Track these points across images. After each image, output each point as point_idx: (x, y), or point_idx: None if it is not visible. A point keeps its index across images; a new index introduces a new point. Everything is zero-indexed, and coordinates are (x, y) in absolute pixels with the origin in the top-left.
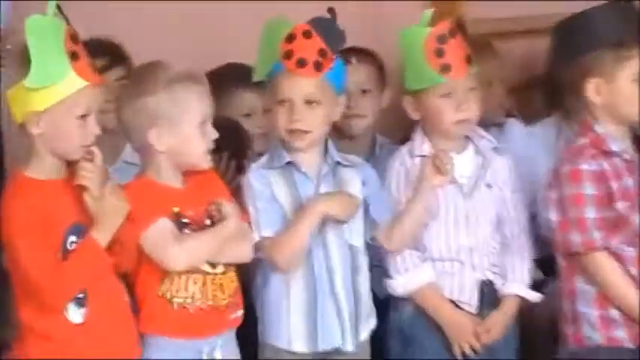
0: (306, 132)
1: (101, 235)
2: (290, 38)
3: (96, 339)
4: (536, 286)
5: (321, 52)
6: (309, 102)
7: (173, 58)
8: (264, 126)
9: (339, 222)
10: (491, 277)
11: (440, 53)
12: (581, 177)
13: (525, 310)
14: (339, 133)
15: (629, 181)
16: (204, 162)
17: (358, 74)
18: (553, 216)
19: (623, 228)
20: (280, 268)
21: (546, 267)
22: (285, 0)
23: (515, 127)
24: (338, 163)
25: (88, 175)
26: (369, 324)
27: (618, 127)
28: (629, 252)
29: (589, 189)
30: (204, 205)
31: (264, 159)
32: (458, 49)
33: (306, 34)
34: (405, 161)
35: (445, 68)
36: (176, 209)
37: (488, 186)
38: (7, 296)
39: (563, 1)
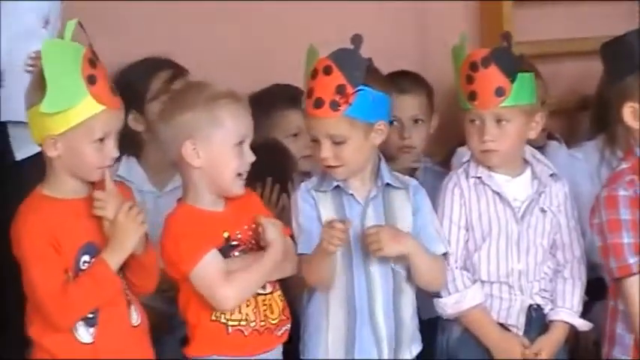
0: (339, 166)
1: (113, 258)
2: (313, 75)
3: None
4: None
5: (339, 89)
6: (334, 141)
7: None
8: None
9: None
10: (540, 301)
11: (470, 80)
12: (617, 202)
13: (572, 332)
14: (388, 160)
15: None
16: (235, 186)
17: (409, 103)
18: (597, 241)
19: None
20: (311, 286)
21: (594, 289)
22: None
23: (557, 149)
24: (388, 184)
25: (101, 204)
26: (411, 350)
27: None
28: None
29: (624, 214)
30: (248, 224)
31: (314, 180)
32: (488, 79)
33: (326, 70)
34: (461, 183)
35: (471, 96)
36: (226, 234)
37: (543, 211)
38: (16, 315)
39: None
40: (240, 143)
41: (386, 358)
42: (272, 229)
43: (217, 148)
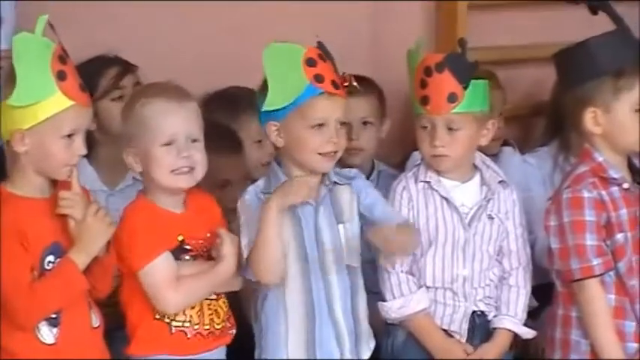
0: (337, 152)
1: (80, 258)
2: (312, 62)
3: None
4: (530, 313)
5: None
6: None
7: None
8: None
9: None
10: (484, 308)
11: (423, 84)
12: (582, 204)
13: (521, 339)
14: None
15: (625, 212)
16: (171, 182)
17: (358, 106)
18: (553, 243)
19: (619, 259)
20: (261, 278)
21: (541, 294)
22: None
23: (510, 155)
24: (335, 182)
25: (68, 203)
26: (369, 345)
27: (616, 156)
28: (610, 277)
29: (589, 215)
30: (205, 231)
31: (261, 182)
32: (441, 84)
33: (322, 57)
34: (409, 187)
35: (424, 100)
36: (180, 237)
37: (490, 217)
38: None
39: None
40: (169, 143)
41: (348, 354)
42: (229, 244)
43: (145, 150)
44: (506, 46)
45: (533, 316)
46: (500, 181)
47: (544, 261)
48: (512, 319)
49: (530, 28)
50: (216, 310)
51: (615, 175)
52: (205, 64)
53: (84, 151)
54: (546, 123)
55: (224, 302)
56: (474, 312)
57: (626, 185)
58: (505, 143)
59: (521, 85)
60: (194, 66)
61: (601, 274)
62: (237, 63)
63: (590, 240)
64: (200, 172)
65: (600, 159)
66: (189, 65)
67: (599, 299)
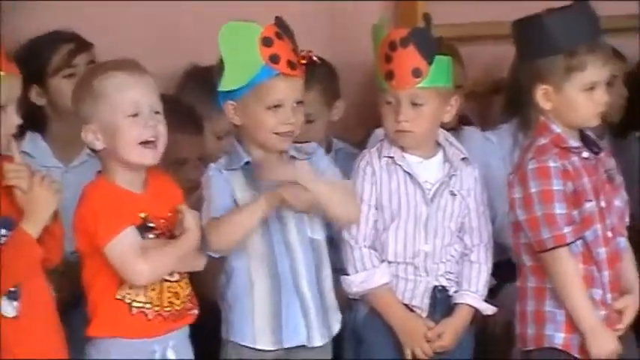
0: (294, 131)
1: (32, 228)
2: (268, 42)
3: (27, 334)
4: (490, 291)
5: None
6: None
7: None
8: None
9: (296, 211)
10: (445, 283)
11: (388, 59)
12: (549, 173)
13: (480, 315)
14: None
15: (588, 181)
16: (136, 155)
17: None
18: (520, 215)
19: (587, 227)
20: (211, 247)
21: (503, 272)
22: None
23: (472, 133)
24: (293, 157)
25: (13, 175)
26: (337, 316)
27: (570, 130)
28: (577, 247)
29: (556, 185)
30: (166, 211)
31: (222, 160)
32: (406, 59)
33: (280, 35)
34: (373, 162)
35: (389, 75)
36: (143, 215)
37: (452, 194)
38: None
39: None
40: (135, 114)
41: (315, 327)
42: (191, 218)
43: (109, 123)
44: (465, 24)
45: (491, 294)
46: (462, 159)
47: (503, 237)
48: (473, 294)
49: (489, 5)
50: (176, 292)
51: (575, 144)
52: (166, 45)
53: (18, 121)
54: (505, 100)
55: (186, 283)
56: (435, 287)
57: (585, 154)
58: (466, 121)
59: (480, 62)
60: (156, 46)
61: (572, 242)
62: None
63: (559, 209)
64: (162, 146)
65: (558, 130)
66: (151, 45)
67: (572, 267)
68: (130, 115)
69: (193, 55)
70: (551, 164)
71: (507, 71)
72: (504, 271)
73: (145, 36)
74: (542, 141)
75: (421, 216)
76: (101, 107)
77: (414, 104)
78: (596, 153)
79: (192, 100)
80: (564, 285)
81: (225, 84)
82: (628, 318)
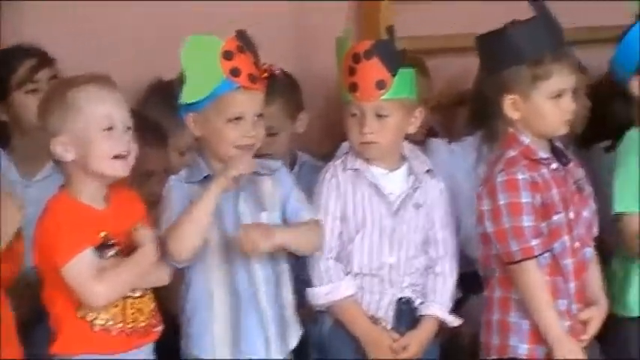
0: (255, 145)
1: None
2: (229, 55)
3: None
4: (456, 302)
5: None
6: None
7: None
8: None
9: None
10: (410, 295)
11: (352, 71)
12: (517, 185)
13: (447, 328)
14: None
15: (557, 192)
16: (109, 168)
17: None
18: (488, 227)
19: (555, 239)
20: (172, 256)
21: (465, 283)
22: None
23: (439, 145)
24: (255, 172)
25: None
26: (296, 331)
27: (539, 140)
28: (544, 259)
29: (525, 197)
30: (128, 226)
31: (183, 173)
32: (370, 71)
33: (241, 49)
34: (338, 174)
35: (353, 87)
36: (103, 234)
37: (417, 206)
38: None
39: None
40: (110, 128)
41: (273, 341)
42: (146, 233)
43: (83, 136)
44: (429, 36)
45: (457, 306)
46: (427, 171)
47: (468, 249)
48: (438, 306)
49: (453, 18)
50: (140, 309)
51: (544, 155)
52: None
53: None
54: (470, 113)
55: (150, 299)
56: (400, 299)
57: (554, 165)
58: (431, 132)
59: (444, 74)
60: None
61: (540, 255)
62: (155, 57)
63: (527, 221)
64: (132, 160)
65: (527, 141)
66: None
67: (539, 279)
68: (104, 129)
69: (156, 69)
70: (520, 177)
71: (472, 83)
72: (469, 282)
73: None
74: (512, 153)
75: (386, 228)
76: (74, 119)
77: (379, 116)
78: (565, 164)
79: (156, 115)
80: (532, 296)
81: (187, 96)
82: (592, 329)
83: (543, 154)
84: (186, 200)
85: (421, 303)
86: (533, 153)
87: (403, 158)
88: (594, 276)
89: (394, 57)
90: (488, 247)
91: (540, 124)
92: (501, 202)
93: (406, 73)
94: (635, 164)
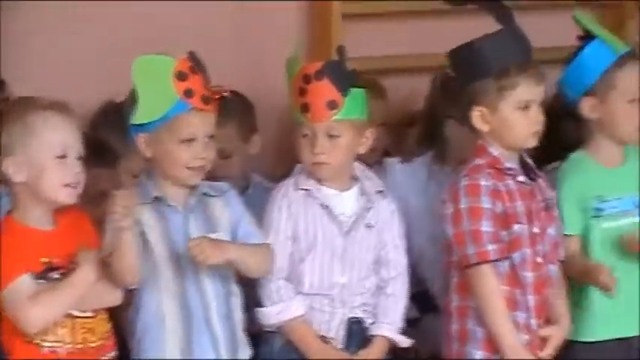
0: (206, 166)
1: None
2: (182, 76)
3: None
4: (412, 322)
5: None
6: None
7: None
8: None
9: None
10: (360, 315)
11: (302, 92)
12: (480, 191)
13: (402, 348)
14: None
15: (521, 204)
16: (60, 195)
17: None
18: (449, 230)
19: (515, 250)
20: (117, 278)
21: (418, 303)
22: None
23: (393, 165)
24: (205, 194)
25: None
26: (247, 351)
27: (508, 152)
28: (503, 268)
29: (486, 203)
30: (75, 248)
31: None
32: (321, 92)
33: (193, 70)
34: (289, 194)
35: (304, 108)
36: (45, 259)
37: (369, 227)
38: None
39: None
40: (63, 156)
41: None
42: (87, 255)
43: (36, 160)
44: (379, 57)
45: (412, 325)
46: (378, 191)
47: (420, 269)
48: (389, 326)
49: (402, 39)
50: (91, 329)
51: (511, 166)
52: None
53: None
54: (420, 133)
55: (103, 319)
56: (350, 319)
57: (521, 178)
58: (386, 153)
59: (394, 94)
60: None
61: (496, 260)
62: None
63: (486, 226)
64: (80, 190)
65: (495, 153)
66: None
67: (494, 285)
68: (57, 156)
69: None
70: (483, 183)
71: (422, 104)
72: (422, 302)
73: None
74: (479, 161)
75: (337, 248)
76: (29, 142)
77: (330, 136)
78: (534, 179)
79: (107, 137)
80: (486, 303)
81: (139, 117)
82: (551, 348)
83: (510, 164)
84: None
85: (372, 323)
86: (500, 163)
87: (355, 179)
88: (559, 296)
89: (345, 77)
90: (449, 254)
91: (509, 135)
92: (462, 206)
93: (357, 94)
94: (574, 186)
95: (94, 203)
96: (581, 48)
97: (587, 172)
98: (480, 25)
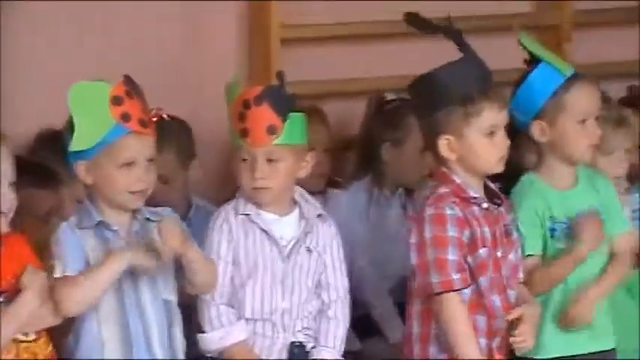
0: (147, 189)
1: None
2: (118, 100)
3: None
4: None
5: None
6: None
7: None
8: None
9: (147, 273)
10: (302, 339)
11: (242, 117)
12: (445, 220)
13: None
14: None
15: (487, 230)
16: None
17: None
18: (413, 259)
19: (481, 274)
20: (60, 309)
21: (359, 326)
22: None
23: (338, 196)
24: (147, 219)
25: None
26: None
27: (473, 178)
28: (465, 296)
29: (451, 231)
30: (17, 271)
31: (73, 219)
32: (260, 116)
33: (129, 94)
34: (229, 219)
35: (243, 133)
36: None
37: (309, 250)
38: None
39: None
40: None
41: None
42: (28, 276)
43: None
44: (318, 81)
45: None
46: (318, 215)
47: (360, 292)
48: (330, 350)
49: (342, 63)
50: (34, 352)
51: (475, 195)
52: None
53: None
54: (357, 157)
55: (44, 342)
56: (292, 343)
57: (485, 205)
58: (331, 180)
59: (332, 119)
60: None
61: (460, 289)
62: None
63: (451, 255)
64: (10, 217)
65: (459, 181)
66: None
67: (460, 312)
68: None
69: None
70: (448, 212)
71: (359, 128)
72: (363, 325)
73: None
74: (443, 190)
75: (278, 273)
76: None
77: (270, 160)
78: (498, 204)
79: (49, 161)
80: (451, 330)
81: (77, 144)
82: (527, 324)
83: (474, 193)
84: (78, 246)
85: (313, 347)
86: (463, 191)
87: (294, 203)
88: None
89: (284, 102)
90: (414, 282)
91: (476, 162)
92: (427, 235)
93: (297, 118)
94: (530, 207)
95: (38, 224)
96: (528, 72)
97: (539, 195)
98: (417, 49)
